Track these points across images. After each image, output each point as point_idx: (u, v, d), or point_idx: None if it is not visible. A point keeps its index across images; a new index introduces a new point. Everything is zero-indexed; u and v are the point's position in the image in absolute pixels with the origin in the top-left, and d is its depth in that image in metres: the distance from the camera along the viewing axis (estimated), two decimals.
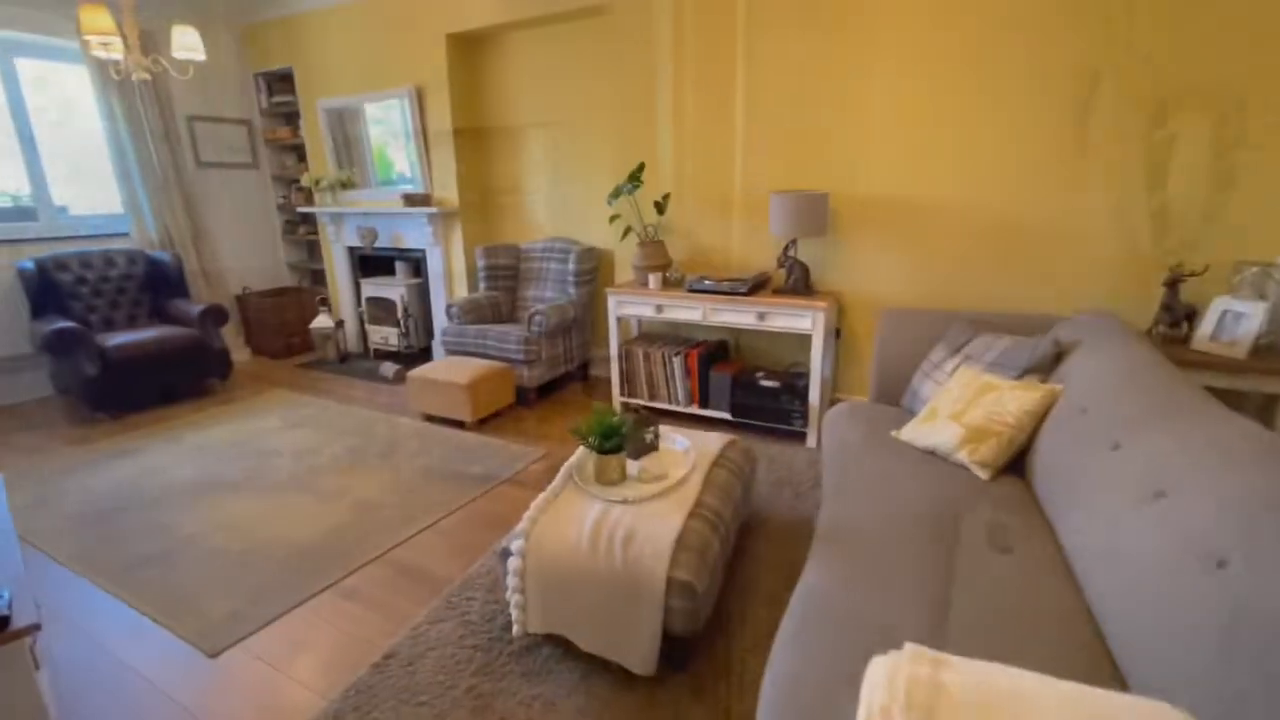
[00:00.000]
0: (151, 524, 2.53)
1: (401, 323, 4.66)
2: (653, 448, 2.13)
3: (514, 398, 3.73)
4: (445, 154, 4.29)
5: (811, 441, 3.13)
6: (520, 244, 4.36)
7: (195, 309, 4.09)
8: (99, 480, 2.93)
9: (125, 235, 4.48)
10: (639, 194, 3.48)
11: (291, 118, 5.16)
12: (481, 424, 3.55)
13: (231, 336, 4.97)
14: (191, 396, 4.12)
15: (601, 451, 1.91)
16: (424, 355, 4.80)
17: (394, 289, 4.72)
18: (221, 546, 2.36)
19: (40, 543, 2.42)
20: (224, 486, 2.84)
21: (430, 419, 3.63)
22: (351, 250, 5.01)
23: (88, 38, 2.92)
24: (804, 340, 3.16)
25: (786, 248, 3.14)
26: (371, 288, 4.87)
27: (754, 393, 3.24)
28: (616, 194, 3.42)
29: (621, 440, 1.92)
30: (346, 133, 4.75)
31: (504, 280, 4.30)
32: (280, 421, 3.64)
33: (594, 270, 4.05)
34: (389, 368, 4.46)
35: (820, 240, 3.23)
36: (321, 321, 4.84)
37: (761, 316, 3.09)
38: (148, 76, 3.24)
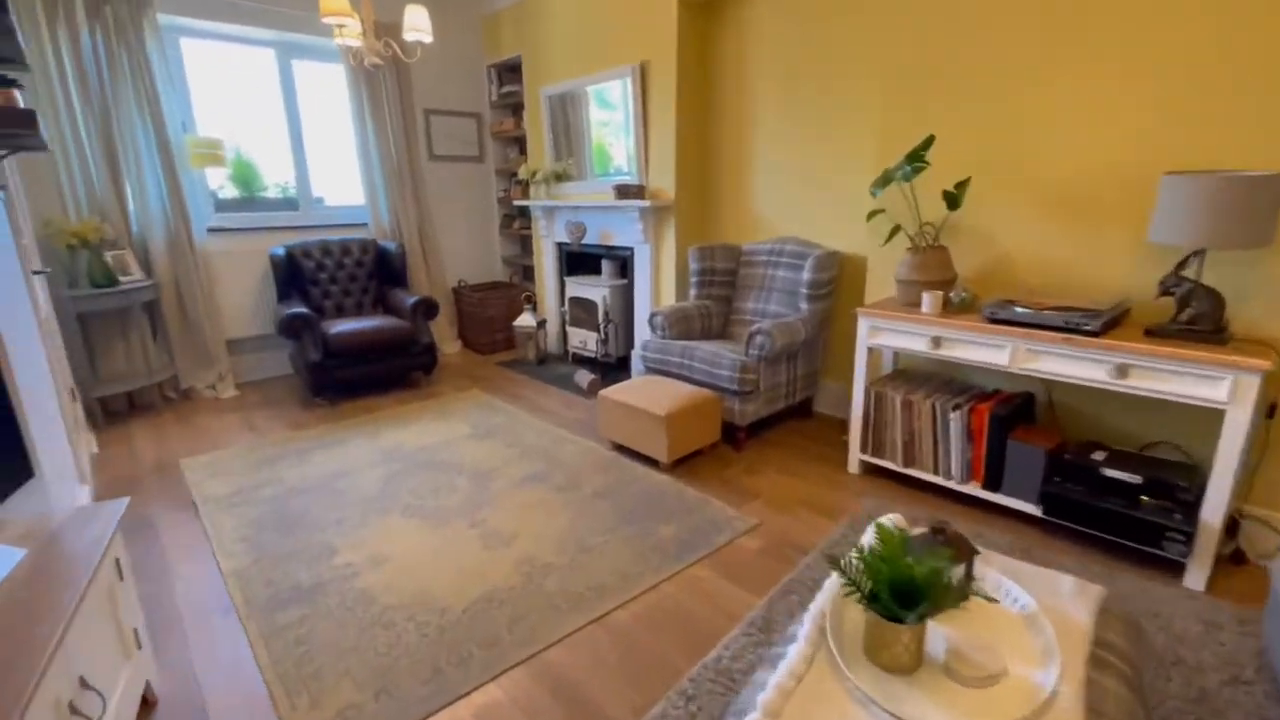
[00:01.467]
0: (317, 544, 2.28)
1: (601, 327, 4.23)
2: (963, 595, 1.24)
3: (719, 435, 3.01)
4: (665, 139, 3.72)
5: (1197, 582, 1.92)
6: (741, 245, 3.63)
7: (409, 300, 4.06)
8: (295, 474, 2.85)
9: (364, 225, 4.67)
10: (917, 180, 2.52)
11: (517, 109, 5.04)
12: (678, 465, 2.90)
13: (444, 328, 5.01)
14: (398, 387, 4.10)
15: (887, 616, 1.08)
16: (622, 366, 4.33)
17: (597, 290, 4.31)
18: (369, 592, 1.99)
19: (220, 546, 2.28)
20: (397, 506, 2.54)
21: (620, 449, 3.07)
22: (560, 246, 4.73)
23: (326, 19, 2.83)
24: (1199, 414, 1.96)
25: (1180, 264, 1.95)
26: (575, 287, 4.52)
27: (1088, 483, 2.11)
28: (886, 180, 2.49)
29: (928, 607, 1.07)
30: (568, 121, 4.43)
31: (718, 287, 3.61)
32: (470, 429, 3.38)
33: (833, 281, 3.16)
34: (584, 377, 4.04)
35: (1246, 256, 1.98)
36: (524, 320, 4.62)
37: (1122, 371, 1.96)
38: (379, 61, 3.12)
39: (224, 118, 4.15)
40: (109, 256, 3.44)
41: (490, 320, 4.91)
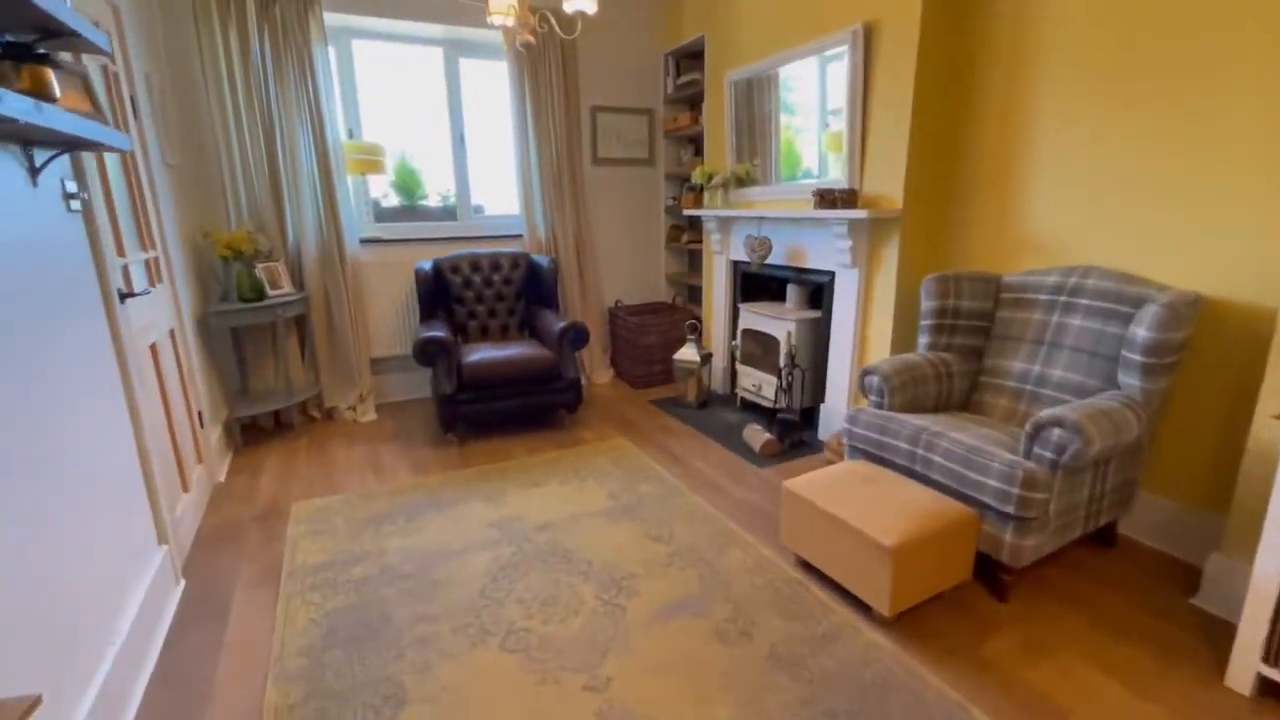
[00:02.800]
0: (384, 683, 1.67)
1: (783, 373, 3.30)
2: None
3: (970, 572, 1.95)
4: (892, 130, 2.70)
5: None
6: (1002, 276, 2.50)
7: (557, 325, 3.47)
8: (395, 547, 2.32)
9: (518, 237, 4.22)
10: None
11: (695, 101, 4.28)
12: (903, 618, 1.90)
13: (595, 355, 4.40)
14: (535, 427, 3.53)
15: None
16: (805, 421, 3.35)
17: (780, 323, 3.39)
18: None
19: (279, 659, 1.77)
20: (499, 627, 1.87)
21: (807, 568, 2.14)
22: (736, 265, 3.88)
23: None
24: None
25: None
26: (752, 317, 3.64)
27: None
28: None
29: None
30: (753, 113, 3.58)
31: (963, 334, 2.51)
32: (608, 498, 2.66)
33: (1186, 344, 1.94)
34: (756, 435, 3.15)
35: None
36: (687, 353, 3.84)
37: None
38: (531, 39, 2.52)
39: (389, 123, 3.91)
40: (260, 269, 3.27)
41: (647, 349, 4.21)
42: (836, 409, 3.18)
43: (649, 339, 4.19)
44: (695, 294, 4.72)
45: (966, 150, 2.73)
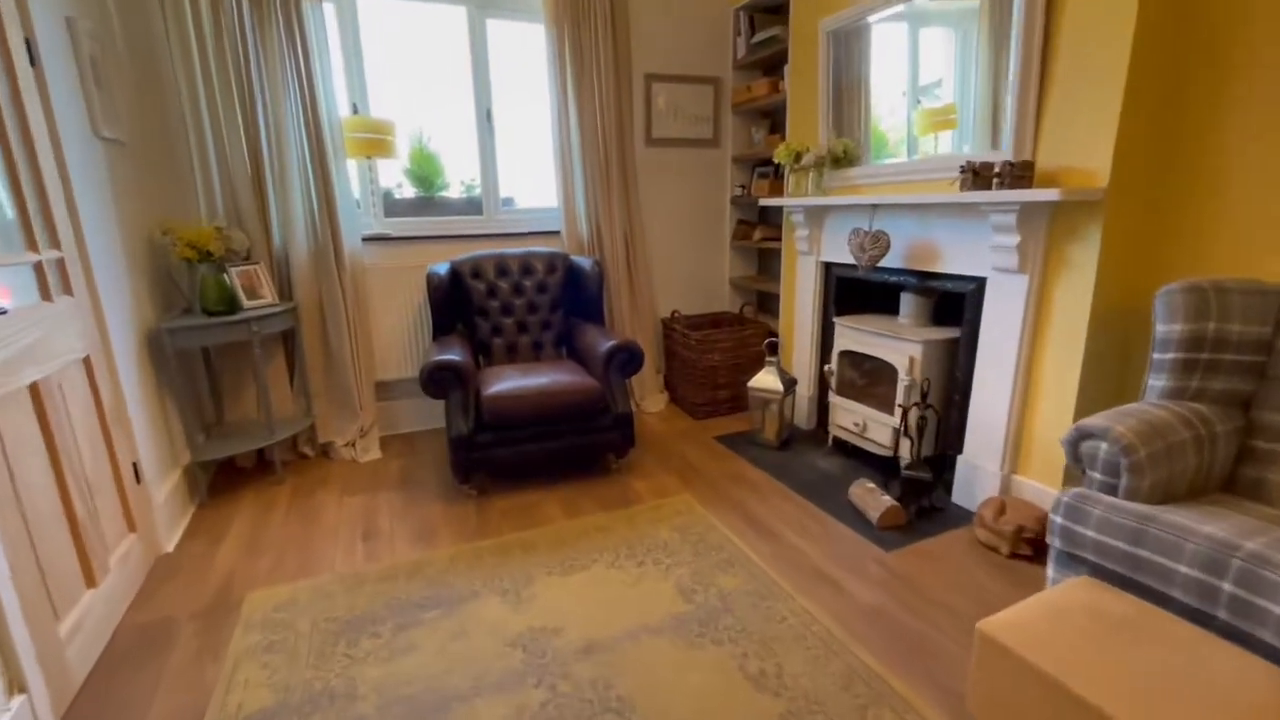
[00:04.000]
0: None
1: (906, 414, 2.46)
2: None
3: None
4: (1093, 68, 1.85)
5: None
6: None
7: (604, 344, 2.72)
8: (372, 681, 1.59)
9: (555, 234, 3.48)
10: None
11: (775, 64, 3.47)
12: None
13: (647, 376, 3.63)
14: (574, 475, 2.77)
15: None
16: (936, 472, 2.50)
17: (899, 344, 2.55)
18: None
19: None
20: None
21: None
22: (829, 269, 3.05)
23: None
24: None
25: None
26: (854, 335, 2.81)
27: None
28: None
29: None
30: (855, 73, 2.76)
31: (1224, 376, 1.64)
32: (678, 598, 1.88)
33: None
34: (870, 497, 2.32)
35: None
36: (766, 379, 3.03)
37: None
38: None
39: (402, 97, 3.22)
40: (235, 273, 2.60)
41: (711, 371, 3.41)
42: (983, 467, 2.33)
43: (713, 359, 3.40)
44: (768, 303, 3.91)
45: (1214, 105, 1.86)
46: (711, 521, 2.34)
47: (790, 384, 3.03)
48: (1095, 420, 1.55)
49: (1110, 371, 2.11)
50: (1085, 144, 1.91)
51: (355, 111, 3.04)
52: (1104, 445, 1.51)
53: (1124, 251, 1.98)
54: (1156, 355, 1.70)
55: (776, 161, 3.02)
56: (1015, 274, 2.12)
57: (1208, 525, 1.32)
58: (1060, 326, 2.05)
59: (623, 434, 2.70)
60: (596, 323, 3.09)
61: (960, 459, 2.42)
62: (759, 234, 3.59)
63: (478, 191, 3.46)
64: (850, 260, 2.86)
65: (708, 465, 2.86)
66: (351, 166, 3.07)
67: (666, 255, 3.80)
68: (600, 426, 2.66)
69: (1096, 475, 1.54)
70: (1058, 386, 2.08)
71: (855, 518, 2.36)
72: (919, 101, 2.50)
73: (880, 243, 2.51)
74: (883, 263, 2.61)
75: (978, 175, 2.11)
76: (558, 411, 2.55)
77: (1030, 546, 2.03)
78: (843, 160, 2.83)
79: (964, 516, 2.34)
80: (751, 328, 3.48)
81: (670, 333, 3.64)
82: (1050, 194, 1.85)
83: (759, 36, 3.36)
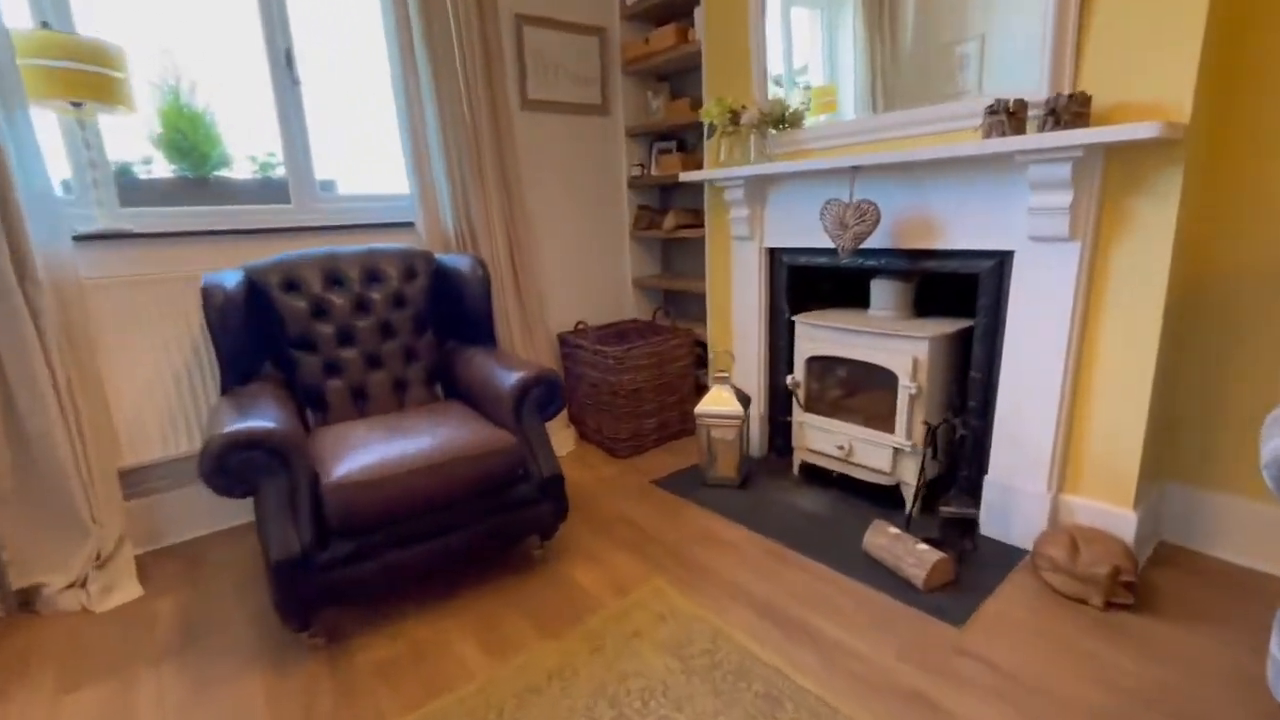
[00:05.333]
0: None
1: (933, 431, 1.92)
2: None
3: None
4: None
5: None
6: None
7: (509, 376, 1.85)
8: None
9: (406, 227, 2.51)
10: None
11: (674, 11, 2.83)
12: None
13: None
14: (486, 581, 1.86)
15: None
16: (963, 500, 1.98)
17: (896, 343, 2.02)
18: None
19: None
20: None
21: None
22: (775, 256, 2.46)
23: None
24: None
25: None
26: (824, 336, 2.23)
27: None
28: None
29: None
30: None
31: None
32: None
33: None
34: (920, 555, 1.73)
35: None
36: (722, 401, 2.35)
37: None
38: None
39: (143, 17, 2.05)
40: None
41: (635, 396, 2.66)
42: (1022, 488, 1.86)
43: (636, 380, 2.65)
44: (682, 306, 3.26)
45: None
46: (711, 623, 1.59)
47: (746, 403, 2.39)
48: None
49: (1193, 358, 1.75)
50: (1152, 69, 1.49)
51: (46, 26, 1.83)
52: None
53: (1205, 206, 1.61)
54: None
55: (706, 121, 2.37)
56: (1063, 243, 1.67)
57: None
58: (1124, 306, 1.63)
59: (554, 504, 1.84)
60: (486, 345, 2.19)
61: (987, 480, 1.94)
62: (671, 221, 2.92)
63: (280, 171, 2.37)
64: (805, 244, 2.30)
65: (663, 526, 2.11)
66: (49, 122, 1.86)
67: (557, 251, 2.99)
68: (519, 499, 1.78)
69: None
70: (1124, 382, 1.66)
71: (885, 577, 1.77)
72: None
73: (868, 216, 1.96)
74: (871, 245, 2.06)
75: (1012, 116, 1.62)
76: (455, 490, 1.63)
77: (1129, 592, 1.57)
78: (792, 121, 2.26)
79: (1003, 553, 1.85)
80: (676, 337, 2.79)
81: (574, 351, 2.82)
82: (1148, 128, 1.38)
83: None
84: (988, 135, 1.67)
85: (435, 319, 2.22)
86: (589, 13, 2.87)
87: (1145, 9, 1.48)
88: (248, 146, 2.34)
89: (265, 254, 2.17)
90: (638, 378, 2.65)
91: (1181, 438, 1.82)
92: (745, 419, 2.34)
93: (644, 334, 3.04)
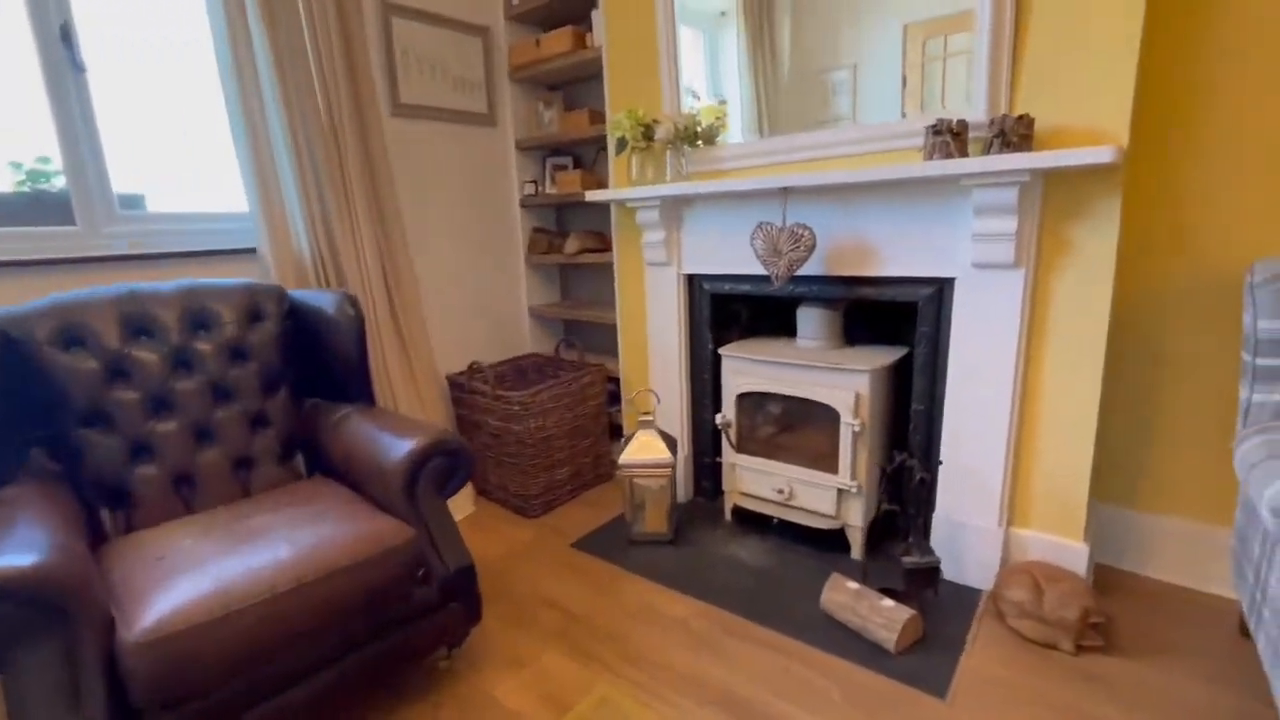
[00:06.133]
0: None
1: (887, 475, 1.77)
2: None
3: None
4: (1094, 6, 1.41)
5: None
6: None
7: (398, 444, 1.45)
8: None
9: (248, 255, 1.99)
10: None
11: (568, 14, 2.56)
12: None
13: None
14: (376, 711, 1.44)
15: None
16: (923, 547, 1.86)
17: (835, 377, 1.87)
18: None
19: None
20: None
21: None
22: (695, 283, 2.25)
23: None
24: None
25: None
26: (754, 370, 2.05)
27: None
28: None
29: None
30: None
31: None
32: None
33: None
34: (888, 614, 1.56)
35: None
36: (650, 448, 2.08)
37: None
38: None
39: None
40: None
41: (546, 444, 2.32)
42: (972, 524, 1.77)
43: (546, 425, 2.31)
44: (585, 338, 2.97)
45: (1207, 39, 1.56)
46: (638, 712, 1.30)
47: (673, 446, 2.14)
48: None
49: (1121, 380, 1.75)
50: (1080, 98, 1.45)
51: None
52: None
53: (1142, 230, 1.61)
54: (1264, 361, 1.28)
55: (615, 135, 2.11)
56: (1008, 270, 1.60)
57: None
58: (1068, 332, 1.58)
59: (464, 604, 1.47)
60: (361, 403, 1.75)
61: (936, 517, 1.84)
62: (574, 244, 2.63)
63: (58, 182, 1.78)
64: (729, 270, 2.11)
65: (596, 605, 1.79)
66: None
67: (442, 280, 2.58)
68: (418, 608, 1.38)
69: None
70: (1070, 412, 1.61)
71: (852, 640, 1.59)
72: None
73: (803, 242, 1.80)
74: (806, 272, 1.90)
75: (956, 138, 1.53)
76: (329, 617, 1.21)
77: (1098, 633, 1.51)
78: (708, 136, 2.07)
79: (961, 595, 1.75)
80: (587, 374, 2.49)
81: (469, 398, 2.42)
82: (1104, 153, 1.33)
83: None
84: (930, 156, 1.57)
85: (291, 373, 1.75)
86: (470, 9, 2.52)
87: (1080, 35, 1.44)
88: (6, 149, 1.72)
89: (31, 296, 1.58)
90: (548, 423, 2.31)
91: (1111, 459, 1.83)
92: (675, 465, 2.09)
93: (548, 371, 2.71)
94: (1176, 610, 1.65)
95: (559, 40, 2.43)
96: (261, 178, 1.92)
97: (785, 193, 1.86)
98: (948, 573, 1.83)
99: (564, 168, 2.77)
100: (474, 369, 2.44)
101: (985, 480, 1.74)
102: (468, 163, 2.61)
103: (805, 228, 1.79)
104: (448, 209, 2.56)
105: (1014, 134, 1.45)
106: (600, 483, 2.59)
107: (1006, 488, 1.72)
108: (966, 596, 1.75)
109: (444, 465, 1.49)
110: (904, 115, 1.72)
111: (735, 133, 2.05)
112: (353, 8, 2.05)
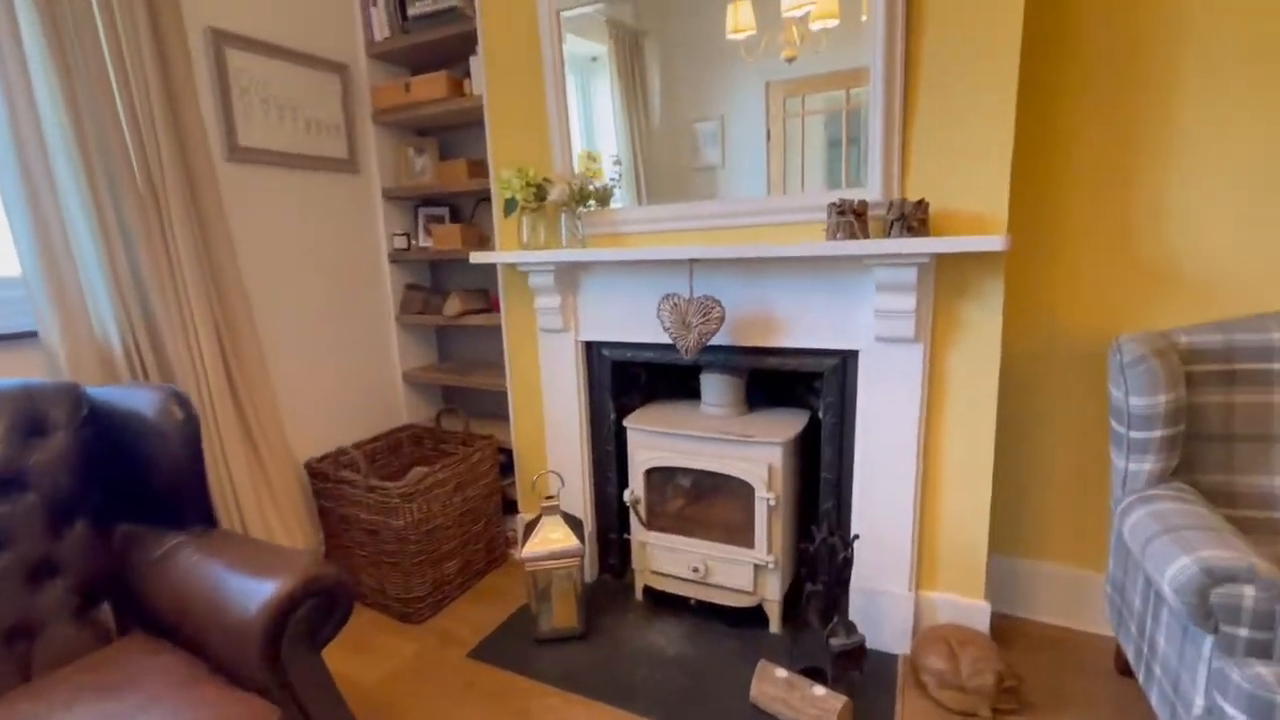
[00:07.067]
0: None
1: (809, 553, 1.73)
2: None
3: None
4: (974, 89, 1.50)
5: None
6: (1177, 336, 1.53)
7: (255, 592, 1.14)
8: None
9: (27, 341, 1.54)
10: None
11: (447, 56, 2.34)
12: None
13: None
14: None
15: None
16: (849, 625, 1.84)
17: (747, 449, 1.82)
18: None
19: None
20: None
21: None
22: (594, 349, 2.12)
23: None
24: None
25: None
26: (662, 443, 1.95)
27: None
28: None
29: None
30: (636, 67, 1.95)
31: (1182, 446, 1.45)
32: None
33: None
34: (821, 703, 1.49)
35: None
36: (556, 536, 1.88)
37: None
38: None
39: None
40: None
41: (432, 537, 2.04)
42: (886, 590, 1.79)
43: (433, 516, 2.03)
44: (470, 404, 2.71)
45: (1057, 138, 1.72)
46: None
47: (580, 529, 1.97)
48: (1218, 554, 1.10)
49: (1015, 440, 1.86)
50: (962, 185, 1.55)
51: None
52: (1250, 591, 1.07)
53: (1018, 306, 1.73)
54: (1136, 434, 1.40)
55: (505, 197, 1.93)
56: (908, 343, 1.65)
57: None
58: (963, 401, 1.66)
59: None
60: (196, 526, 1.40)
61: (851, 586, 1.84)
62: (456, 305, 2.38)
63: None
64: (632, 337, 2.01)
65: None
66: None
67: (297, 349, 2.21)
68: None
69: (1242, 633, 1.09)
70: (968, 473, 1.69)
71: None
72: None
73: (713, 315, 1.74)
74: (718, 342, 1.84)
75: (859, 218, 1.56)
76: None
77: (1012, 697, 1.56)
78: (601, 197, 1.97)
79: (881, 665, 1.75)
80: (476, 449, 2.24)
81: (336, 488, 2.07)
82: (996, 241, 1.40)
83: (421, 7, 2.18)
84: (833, 235, 1.58)
85: (94, 497, 1.35)
86: (325, 43, 2.22)
87: (952, 125, 1.53)
88: None
89: None
90: (433, 512, 2.04)
91: (996, 512, 1.95)
92: (584, 553, 1.92)
93: (428, 446, 2.42)
94: (1067, 654, 1.76)
95: (432, 86, 2.21)
96: (43, 235, 1.50)
97: (692, 264, 1.79)
98: (868, 640, 1.83)
99: (439, 219, 2.53)
100: (340, 455, 2.10)
101: (896, 546, 1.77)
102: (326, 214, 2.28)
103: (715, 301, 1.74)
104: (302, 268, 2.21)
105: (913, 218, 1.50)
106: (495, 567, 2.34)
107: (915, 552, 1.76)
108: (886, 664, 1.75)
109: (318, 608, 1.21)
110: (769, 175, 1.76)
111: (615, 186, 1.97)
112: (174, 37, 1.71)
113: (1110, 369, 1.46)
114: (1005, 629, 1.88)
